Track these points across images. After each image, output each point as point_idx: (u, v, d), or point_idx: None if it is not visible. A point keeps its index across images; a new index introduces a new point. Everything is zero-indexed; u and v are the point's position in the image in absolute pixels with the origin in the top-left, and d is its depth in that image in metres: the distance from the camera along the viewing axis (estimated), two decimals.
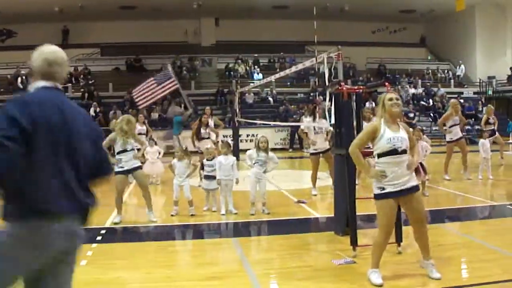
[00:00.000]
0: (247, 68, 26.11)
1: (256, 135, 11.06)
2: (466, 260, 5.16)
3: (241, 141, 17.16)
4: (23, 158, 2.22)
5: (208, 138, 10.38)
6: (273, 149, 11.18)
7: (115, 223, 7.08)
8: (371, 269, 4.46)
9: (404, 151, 4.38)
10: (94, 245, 5.88)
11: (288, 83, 24.96)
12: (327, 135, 8.88)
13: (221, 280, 4.66)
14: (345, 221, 5.79)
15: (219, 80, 25.38)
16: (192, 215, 7.52)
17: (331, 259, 5.17)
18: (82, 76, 24.16)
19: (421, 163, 7.82)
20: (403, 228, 5.30)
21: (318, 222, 7.43)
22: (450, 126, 10.49)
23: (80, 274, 4.67)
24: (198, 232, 7.01)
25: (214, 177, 7.62)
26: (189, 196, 7.59)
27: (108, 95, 22.70)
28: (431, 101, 24.18)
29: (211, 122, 11.06)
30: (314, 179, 9.17)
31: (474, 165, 11.05)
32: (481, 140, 10.74)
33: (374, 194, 4.46)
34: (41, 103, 2.38)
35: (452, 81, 27.14)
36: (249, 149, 8.17)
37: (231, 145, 9.92)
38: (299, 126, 10.01)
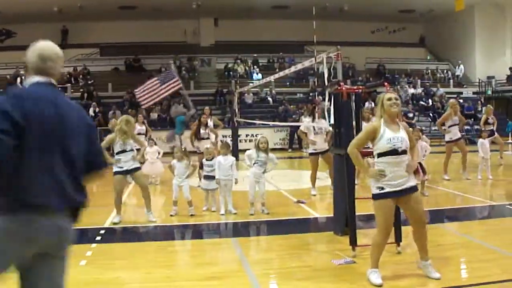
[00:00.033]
0: (246, 68, 26.09)
1: (256, 135, 11.05)
2: (465, 260, 5.17)
3: (240, 141, 17.14)
4: (15, 152, 2.22)
5: (208, 138, 10.36)
6: (273, 149, 11.19)
7: (115, 223, 7.09)
8: (370, 269, 4.46)
9: (404, 152, 4.37)
10: (94, 245, 5.89)
11: (288, 83, 24.95)
12: (326, 135, 8.88)
13: (221, 280, 4.66)
14: (345, 221, 5.79)
15: (218, 80, 25.38)
16: (191, 215, 7.52)
17: (330, 259, 5.17)
18: (81, 76, 24.19)
19: (420, 163, 7.82)
20: (403, 228, 5.29)
21: (317, 222, 7.43)
22: (449, 126, 10.49)
23: (80, 274, 4.74)
24: (197, 232, 7.00)
25: (213, 177, 7.62)
26: (188, 196, 7.59)
27: (108, 95, 22.72)
28: (430, 101, 24.17)
29: (210, 122, 11.05)
30: (313, 179, 9.17)
31: (474, 165, 11.06)
32: (480, 140, 10.74)
33: (373, 194, 4.44)
34: (35, 98, 2.38)
35: (451, 81, 27.16)
36: (248, 149, 8.17)
37: (230, 145, 9.91)
38: (298, 126, 10.00)
